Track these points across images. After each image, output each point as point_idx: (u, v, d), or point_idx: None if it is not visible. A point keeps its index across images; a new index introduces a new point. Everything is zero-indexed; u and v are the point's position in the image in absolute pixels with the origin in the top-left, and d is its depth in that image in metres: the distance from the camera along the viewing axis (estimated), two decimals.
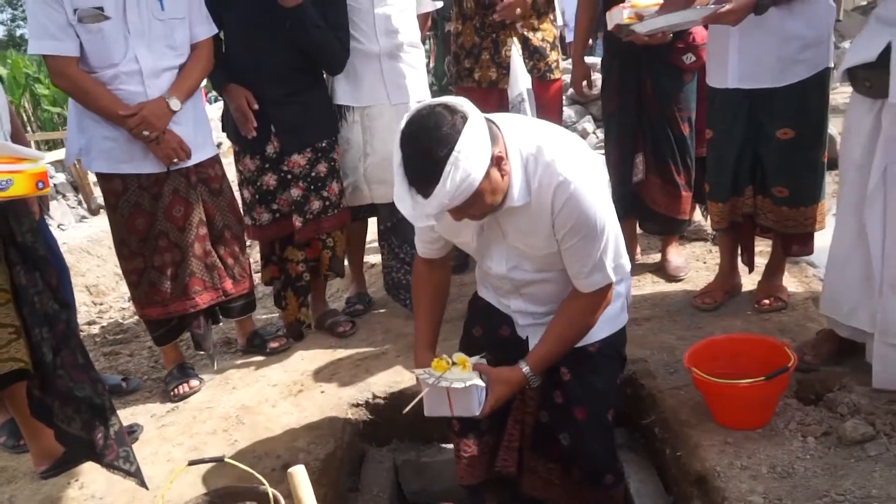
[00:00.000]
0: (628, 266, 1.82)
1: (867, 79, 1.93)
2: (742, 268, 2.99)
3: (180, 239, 2.57)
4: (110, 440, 1.96)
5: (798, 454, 1.87)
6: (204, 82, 3.13)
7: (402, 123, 1.55)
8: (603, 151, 3.35)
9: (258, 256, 3.23)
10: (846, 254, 2.11)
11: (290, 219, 2.91)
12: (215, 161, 2.71)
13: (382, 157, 2.90)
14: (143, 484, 2.00)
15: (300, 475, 1.51)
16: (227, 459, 1.70)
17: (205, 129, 2.69)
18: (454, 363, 1.78)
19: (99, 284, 5.19)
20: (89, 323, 4.09)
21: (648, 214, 3.26)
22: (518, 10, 2.96)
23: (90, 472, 2.26)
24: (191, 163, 2.57)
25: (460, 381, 1.73)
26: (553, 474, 1.96)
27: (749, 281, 3.03)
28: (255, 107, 2.74)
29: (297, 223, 2.88)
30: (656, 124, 3.04)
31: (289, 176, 2.86)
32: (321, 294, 3.24)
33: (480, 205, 1.59)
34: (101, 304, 4.86)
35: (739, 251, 2.96)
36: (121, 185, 2.50)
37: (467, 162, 1.47)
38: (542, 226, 1.70)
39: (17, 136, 2.52)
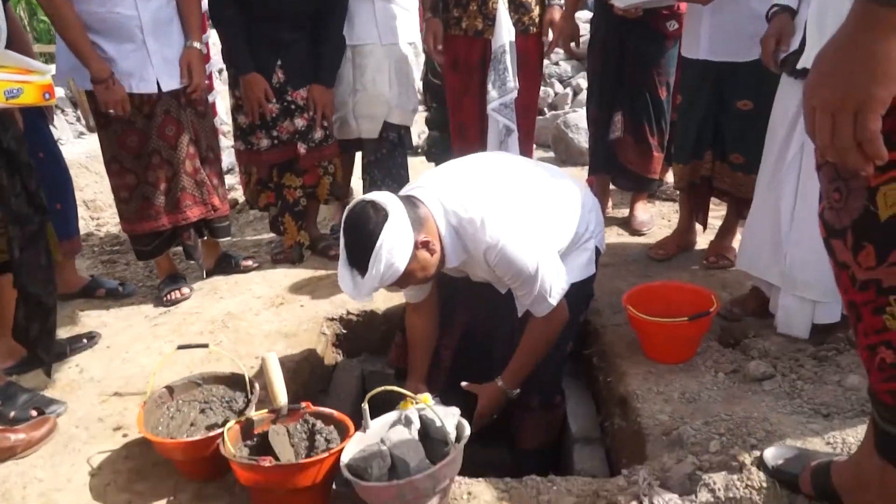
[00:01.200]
0: (566, 286, 2.05)
1: (796, 62, 2.13)
2: (700, 229, 3.25)
3: (172, 156, 2.77)
4: (44, 333, 2.20)
5: (707, 385, 2.16)
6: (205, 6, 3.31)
7: (345, 212, 1.85)
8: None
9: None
10: (763, 217, 2.36)
11: (289, 145, 3.12)
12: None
13: (371, 95, 3.10)
14: (48, 374, 2.29)
15: (272, 360, 1.77)
16: (210, 347, 1.97)
17: None
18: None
19: (97, 200, 5.37)
20: (87, 234, 4.31)
21: (621, 171, 3.49)
22: None
23: (90, 359, 2.54)
24: (178, 85, 2.76)
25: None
26: (516, 405, 2.26)
27: (703, 240, 3.30)
28: (273, 100, 2.99)
29: (301, 150, 3.10)
30: (635, 86, 3.25)
31: (293, 106, 3.07)
32: (313, 219, 3.48)
33: (414, 280, 1.89)
34: (98, 218, 5.06)
35: (697, 211, 3.21)
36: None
37: (389, 254, 1.76)
38: (485, 270, 2.01)
39: (19, 42, 2.67)
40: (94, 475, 1.92)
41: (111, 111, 2.62)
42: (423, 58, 3.43)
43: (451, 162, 2.25)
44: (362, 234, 1.77)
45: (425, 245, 1.87)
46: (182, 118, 2.79)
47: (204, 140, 2.92)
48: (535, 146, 5.24)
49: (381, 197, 1.83)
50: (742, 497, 1.59)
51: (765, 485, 1.60)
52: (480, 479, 1.83)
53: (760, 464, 1.65)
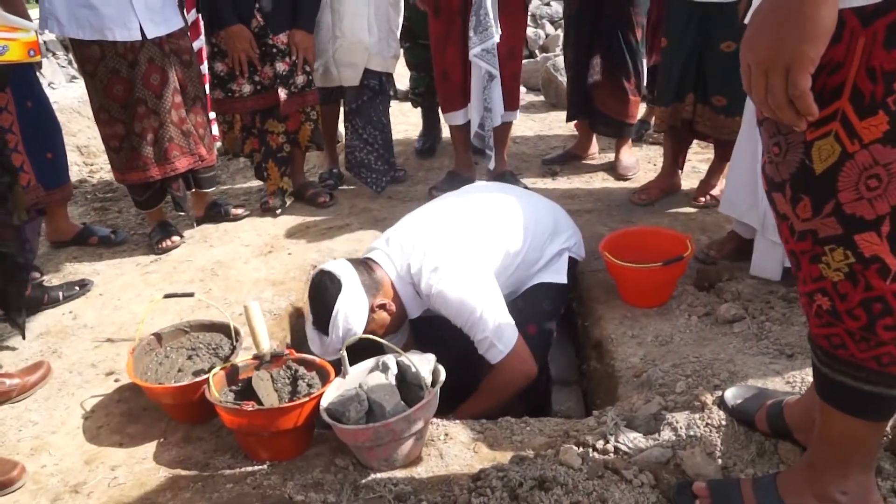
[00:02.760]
0: (513, 338, 2.07)
1: None
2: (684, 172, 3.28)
3: (158, 106, 2.78)
4: (19, 294, 2.20)
5: (680, 328, 2.23)
6: None
7: (308, 282, 2.05)
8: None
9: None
10: (744, 160, 2.38)
11: (272, 91, 3.11)
12: (184, 33, 2.88)
13: (350, 42, 3.09)
14: (22, 335, 2.27)
15: (254, 309, 1.84)
16: (196, 295, 2.03)
17: (172, 1, 2.82)
18: None
19: (90, 145, 5.36)
20: (80, 181, 4.33)
21: (599, 117, 3.49)
22: None
23: (83, 306, 2.61)
24: (162, 33, 2.75)
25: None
26: None
27: (687, 183, 3.33)
28: (257, 53, 2.99)
29: (282, 95, 3.09)
30: (612, 28, 3.23)
31: (273, 50, 3.05)
32: (300, 166, 3.50)
33: (377, 333, 2.03)
34: (92, 164, 5.06)
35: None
36: (98, 51, 2.67)
37: (345, 321, 1.97)
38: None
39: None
40: (87, 418, 2.01)
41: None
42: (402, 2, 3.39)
43: (407, 216, 2.38)
44: (320, 304, 1.99)
45: (382, 307, 2.07)
46: (166, 66, 2.78)
47: (191, 89, 2.91)
48: (525, 89, 5.24)
49: (337, 267, 2.03)
50: (702, 435, 1.67)
51: (724, 423, 1.68)
52: (457, 420, 1.92)
53: (721, 403, 1.72)
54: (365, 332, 1.99)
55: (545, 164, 3.79)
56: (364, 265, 2.11)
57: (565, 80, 4.85)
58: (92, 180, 4.40)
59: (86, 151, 5.26)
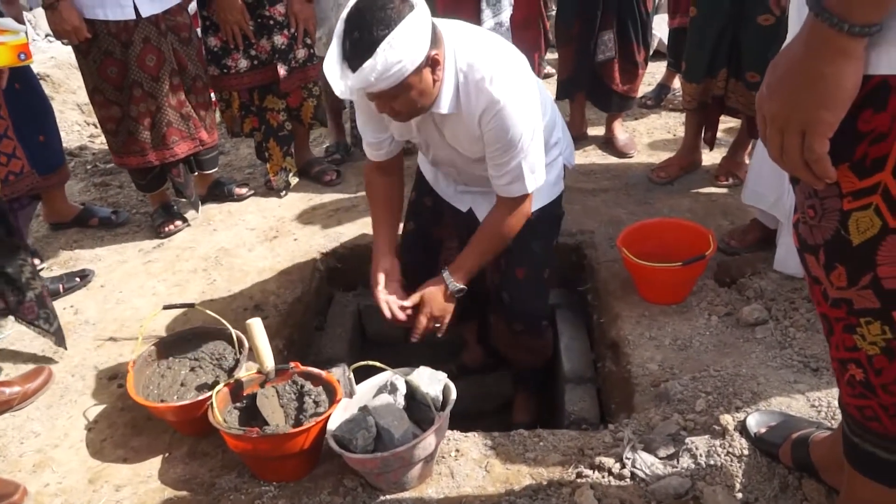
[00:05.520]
0: (543, 178, 1.90)
1: None
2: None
3: (154, 89, 2.65)
4: (30, 303, 2.13)
5: (700, 330, 2.14)
6: None
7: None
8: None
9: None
10: None
11: (270, 66, 2.95)
12: (182, 8, 2.72)
13: None
14: (61, 344, 2.21)
15: (257, 327, 1.76)
16: (196, 306, 1.95)
17: None
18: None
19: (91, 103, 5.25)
20: (81, 148, 4.22)
21: (605, 93, 3.30)
22: None
23: (84, 300, 2.55)
24: (158, 10, 2.60)
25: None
26: (499, 325, 2.25)
27: (708, 158, 3.19)
28: (251, 24, 2.81)
29: (281, 72, 2.93)
30: (625, 0, 3.04)
31: (270, 22, 2.88)
32: (304, 142, 3.37)
33: (405, 100, 1.63)
34: (93, 124, 4.95)
35: (704, 130, 3.08)
36: (90, 30, 2.53)
37: (402, 48, 1.50)
38: (472, 133, 1.81)
39: None
40: (90, 429, 1.97)
41: (63, 40, 2.48)
42: None
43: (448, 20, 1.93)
44: (377, 17, 1.48)
45: (434, 65, 1.63)
46: (163, 46, 2.64)
47: (192, 68, 2.78)
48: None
49: None
50: (723, 464, 1.60)
51: (746, 452, 1.61)
52: (468, 434, 1.86)
53: (743, 430, 1.66)
54: (403, 82, 1.57)
55: None
56: None
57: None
58: (93, 146, 4.30)
59: (87, 110, 5.12)
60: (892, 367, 1.00)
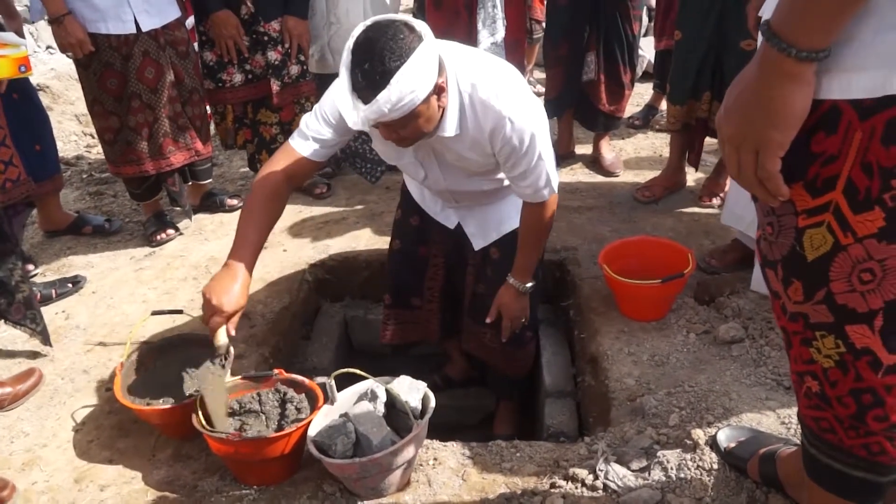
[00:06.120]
0: (557, 179, 1.95)
1: None
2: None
3: (153, 100, 2.71)
4: (17, 304, 2.20)
5: (677, 347, 2.19)
6: None
7: (358, 29, 1.57)
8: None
9: None
10: None
11: (264, 80, 3.02)
12: (181, 23, 2.80)
13: (345, 29, 2.99)
14: (47, 343, 2.27)
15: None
16: (184, 312, 2.00)
17: None
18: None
19: (88, 114, 5.31)
20: (77, 157, 4.28)
21: (592, 112, 3.38)
22: None
23: (76, 305, 2.60)
24: (157, 24, 2.67)
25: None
26: (485, 336, 2.29)
27: (693, 179, 3.26)
28: (246, 42, 2.89)
29: (274, 87, 3.00)
30: (610, 21, 3.12)
31: (265, 38, 2.95)
32: None
33: (413, 127, 1.65)
34: (91, 134, 5.01)
35: (688, 151, 3.15)
36: (92, 43, 2.60)
37: (415, 79, 1.51)
38: (478, 150, 1.83)
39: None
40: (77, 431, 2.01)
41: (67, 52, 2.54)
42: None
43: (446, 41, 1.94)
44: (390, 48, 1.49)
45: (440, 92, 1.65)
46: (162, 59, 2.71)
47: (188, 81, 2.84)
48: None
49: (416, 21, 1.58)
50: (693, 478, 1.65)
51: (715, 467, 1.66)
52: (447, 443, 1.90)
53: (713, 444, 1.70)
54: (412, 112, 1.59)
55: None
56: None
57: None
58: (89, 156, 4.35)
59: (84, 120, 5.19)
60: (846, 379, 1.05)
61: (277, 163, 1.86)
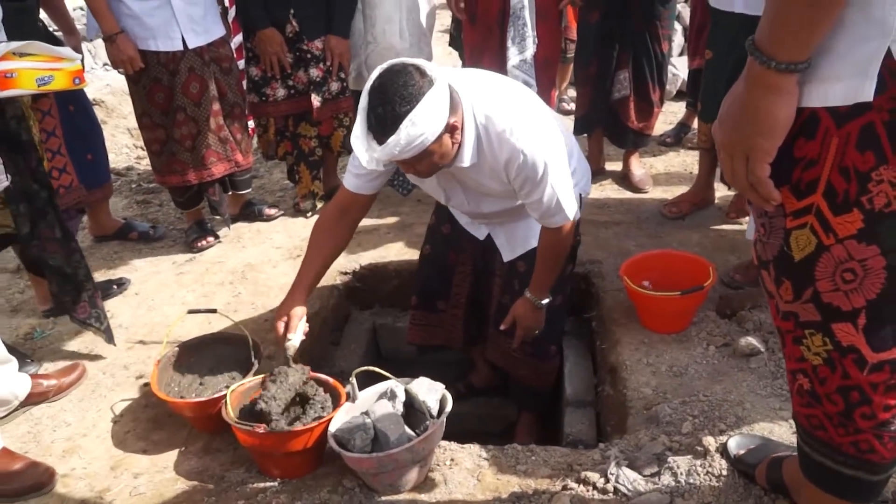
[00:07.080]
0: (576, 204, 2.01)
1: None
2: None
3: (196, 113, 2.86)
4: (83, 302, 2.32)
5: (696, 359, 2.22)
6: None
7: (375, 73, 1.70)
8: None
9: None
10: None
11: (305, 96, 3.15)
12: (225, 41, 2.95)
13: (382, 48, 3.10)
14: (111, 341, 2.39)
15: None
16: (219, 311, 2.10)
17: (214, 10, 2.90)
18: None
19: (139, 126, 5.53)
20: (128, 168, 4.48)
21: (621, 130, 3.43)
22: None
23: (119, 305, 2.74)
24: (203, 42, 2.82)
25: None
26: (509, 346, 2.34)
27: (722, 196, 3.27)
28: (289, 59, 3.02)
29: (315, 103, 3.13)
30: (640, 40, 3.16)
31: (308, 55, 3.09)
32: (333, 169, 3.56)
33: (427, 163, 1.76)
34: (141, 146, 5.21)
35: (719, 170, 3.17)
36: (141, 60, 2.76)
37: (423, 123, 1.61)
38: (496, 178, 1.92)
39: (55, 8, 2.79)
40: (116, 422, 2.12)
41: (119, 69, 2.70)
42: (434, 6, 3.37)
43: (464, 70, 2.08)
44: (400, 94, 1.60)
45: (453, 130, 1.74)
46: (206, 75, 2.85)
47: (231, 96, 2.99)
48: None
49: (428, 64, 1.68)
50: (701, 483, 1.68)
51: (724, 473, 1.68)
52: (464, 445, 1.96)
53: (724, 451, 1.73)
54: (425, 151, 1.69)
55: None
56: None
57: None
58: (139, 167, 4.54)
59: (135, 134, 5.37)
60: (835, 377, 1.09)
61: (333, 200, 2.10)
